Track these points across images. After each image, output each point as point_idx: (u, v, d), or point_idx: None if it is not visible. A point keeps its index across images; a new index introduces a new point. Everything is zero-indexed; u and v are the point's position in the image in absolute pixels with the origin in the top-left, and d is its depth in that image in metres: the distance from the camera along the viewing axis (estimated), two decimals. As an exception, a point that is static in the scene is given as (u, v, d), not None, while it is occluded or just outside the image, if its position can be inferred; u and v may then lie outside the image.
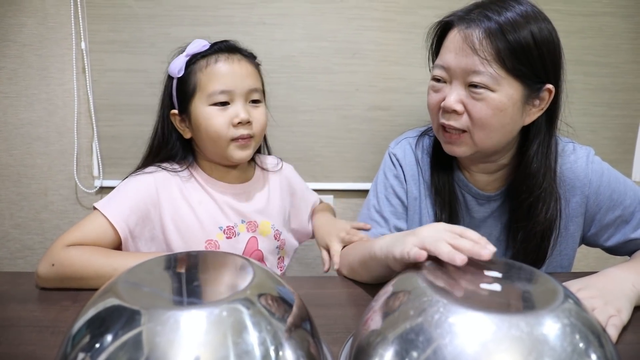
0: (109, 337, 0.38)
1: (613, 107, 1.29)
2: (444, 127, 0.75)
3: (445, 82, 0.74)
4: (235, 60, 0.83)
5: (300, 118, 1.24)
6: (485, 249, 0.50)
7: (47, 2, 1.15)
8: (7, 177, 1.24)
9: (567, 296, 0.42)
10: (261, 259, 0.91)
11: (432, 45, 0.80)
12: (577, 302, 0.43)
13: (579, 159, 0.81)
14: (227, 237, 0.86)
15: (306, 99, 1.23)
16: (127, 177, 0.86)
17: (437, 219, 0.83)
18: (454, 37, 0.73)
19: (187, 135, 0.86)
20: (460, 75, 0.71)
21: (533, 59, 0.69)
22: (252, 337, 0.39)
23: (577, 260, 0.90)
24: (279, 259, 0.96)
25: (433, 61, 0.80)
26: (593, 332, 0.40)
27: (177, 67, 0.83)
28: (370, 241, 0.73)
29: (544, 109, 0.74)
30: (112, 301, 0.41)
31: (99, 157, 1.22)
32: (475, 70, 0.69)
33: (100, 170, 1.23)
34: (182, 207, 0.84)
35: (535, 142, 0.76)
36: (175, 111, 0.85)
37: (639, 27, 1.24)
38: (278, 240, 0.94)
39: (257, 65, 0.89)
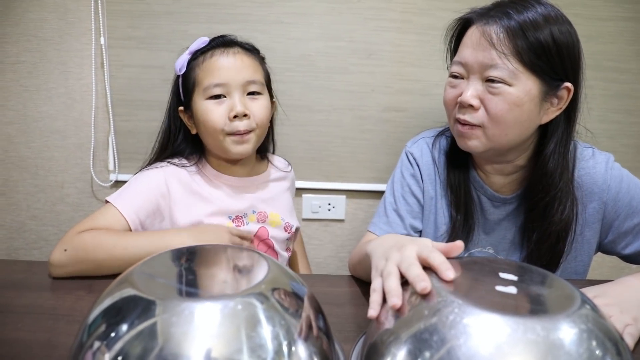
0: (124, 327, 0.38)
1: (632, 114, 1.27)
2: (459, 122, 0.75)
3: (462, 78, 0.74)
4: (231, 53, 0.83)
5: (316, 117, 1.24)
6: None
7: (69, -3, 1.17)
8: (24, 169, 1.26)
9: (584, 302, 0.41)
10: (272, 248, 0.92)
11: (450, 43, 0.81)
12: (594, 308, 0.42)
13: (597, 165, 0.80)
14: (237, 226, 0.87)
15: (322, 99, 1.23)
16: (137, 172, 0.87)
17: (453, 219, 0.83)
18: (472, 34, 0.73)
19: (194, 131, 0.87)
20: (477, 70, 0.71)
21: (552, 57, 0.69)
22: (266, 331, 0.39)
23: (592, 268, 0.88)
24: (286, 249, 0.97)
25: (451, 59, 0.80)
26: (610, 339, 0.39)
27: (180, 64, 0.85)
28: (371, 241, 0.73)
29: (562, 108, 0.73)
30: (128, 291, 0.41)
31: (115, 151, 1.24)
32: (492, 64, 0.69)
33: (116, 165, 1.24)
34: (190, 199, 0.85)
35: (552, 141, 0.75)
36: (180, 107, 0.87)
37: (661, 33, 1.22)
38: (289, 233, 0.95)
39: (258, 58, 0.89)
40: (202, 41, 0.85)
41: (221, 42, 0.85)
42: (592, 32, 1.21)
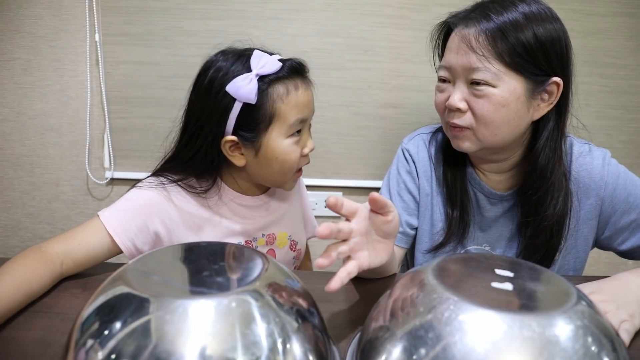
0: (117, 324, 0.38)
1: (630, 110, 1.27)
2: (448, 124, 0.76)
3: (449, 82, 0.75)
4: (308, 85, 0.76)
5: (311, 114, 1.23)
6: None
7: (63, -7, 1.16)
8: (20, 166, 1.25)
9: (580, 298, 0.41)
10: None
11: (436, 48, 0.81)
12: (590, 304, 0.42)
13: (594, 161, 0.79)
14: None
15: (318, 95, 1.20)
16: (138, 185, 0.76)
17: (449, 217, 0.83)
18: (454, 38, 0.73)
19: (241, 162, 0.75)
20: (461, 74, 0.72)
21: (535, 55, 0.69)
22: (260, 328, 0.39)
23: (588, 264, 0.88)
24: (294, 267, 0.93)
25: (439, 62, 0.81)
26: (606, 335, 0.39)
27: (252, 91, 0.69)
28: None
29: (554, 103, 0.73)
30: (121, 289, 0.41)
31: (111, 148, 1.23)
32: (474, 67, 0.69)
33: (112, 162, 1.24)
34: (198, 227, 0.78)
35: (543, 136, 0.75)
36: (233, 138, 0.72)
37: (658, 28, 1.22)
38: (294, 251, 0.91)
39: None
40: (274, 64, 0.71)
41: (296, 70, 0.74)
42: (590, 28, 1.20)
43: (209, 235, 0.78)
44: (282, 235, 0.88)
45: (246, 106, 0.70)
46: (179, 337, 0.36)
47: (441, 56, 0.80)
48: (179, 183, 0.76)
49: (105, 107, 1.21)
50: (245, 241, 0.83)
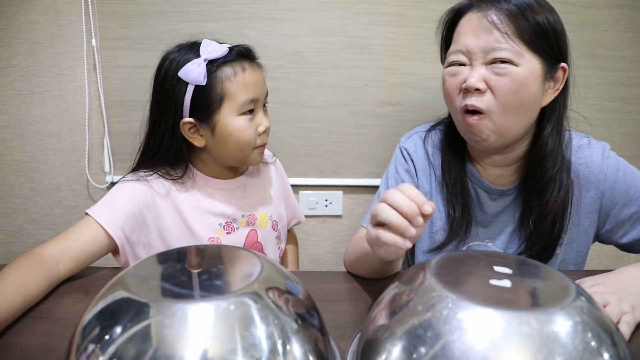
0: (118, 329, 0.38)
1: (629, 102, 1.26)
2: (466, 111, 0.73)
3: (463, 65, 0.73)
4: (256, 67, 0.82)
5: (309, 114, 1.23)
6: (419, 216, 0.54)
7: (59, 0, 1.16)
8: (21, 172, 1.26)
9: (579, 293, 0.41)
10: (261, 251, 0.91)
11: (443, 34, 0.80)
12: (589, 299, 0.42)
13: (594, 154, 0.79)
14: (227, 233, 0.86)
15: (315, 95, 1.22)
16: (119, 182, 0.82)
17: (450, 216, 0.82)
18: (469, 21, 0.72)
19: (201, 143, 0.81)
20: (480, 55, 0.70)
21: (549, 38, 0.70)
22: (260, 330, 0.39)
23: (590, 258, 0.88)
24: (278, 249, 0.96)
25: (444, 51, 0.80)
26: (605, 330, 0.39)
27: (200, 74, 0.76)
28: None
29: (559, 89, 0.74)
30: (121, 294, 0.41)
31: (110, 153, 1.23)
32: (496, 46, 0.69)
33: (111, 166, 1.24)
34: (181, 209, 0.83)
35: (550, 123, 0.75)
36: (189, 119, 0.79)
37: (656, 19, 1.21)
38: (276, 231, 0.94)
39: None
40: (221, 50, 0.78)
41: (243, 54, 0.81)
42: (588, 21, 1.20)
43: (191, 218, 0.83)
44: (263, 215, 0.91)
45: (198, 88, 0.77)
46: (178, 341, 0.36)
47: (447, 44, 0.79)
48: (156, 171, 0.82)
49: (104, 111, 1.21)
50: (226, 222, 0.87)
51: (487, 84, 0.70)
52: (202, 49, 0.78)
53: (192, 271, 0.46)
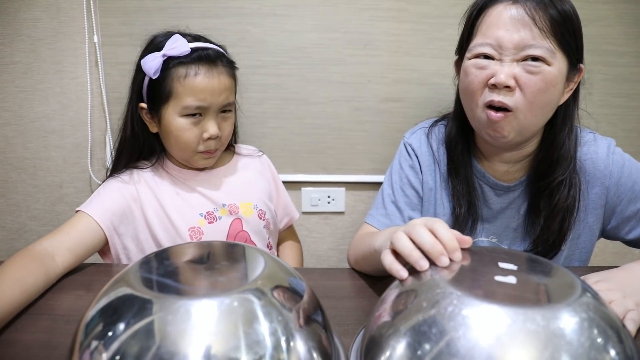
0: (121, 326, 0.38)
1: (633, 98, 1.25)
2: (490, 106, 0.71)
3: (492, 59, 0.70)
4: (215, 74, 0.80)
5: (312, 110, 1.23)
6: (444, 255, 0.47)
7: (60, -5, 1.16)
8: (23, 169, 1.26)
9: (584, 290, 0.41)
10: (248, 240, 0.92)
11: (467, 26, 0.76)
12: (595, 295, 0.41)
13: (599, 150, 0.79)
14: (209, 222, 0.87)
15: (318, 91, 1.22)
16: (104, 181, 0.87)
17: (455, 212, 0.82)
18: (500, 13, 0.69)
19: (154, 129, 0.86)
20: (512, 52, 0.68)
21: (575, 32, 0.69)
22: (263, 327, 0.38)
23: (594, 255, 0.88)
24: (267, 245, 0.96)
25: (464, 42, 0.77)
26: (612, 326, 0.39)
27: (153, 67, 0.79)
28: (374, 235, 0.73)
29: (573, 89, 0.73)
30: (124, 290, 0.41)
31: (112, 149, 1.23)
32: (531, 43, 0.67)
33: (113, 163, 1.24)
34: (161, 200, 0.85)
35: (566, 124, 0.75)
36: (144, 105, 0.84)
37: (661, 14, 1.20)
38: (263, 220, 0.94)
39: (234, 74, 0.87)
40: (181, 47, 0.79)
41: (205, 58, 0.80)
42: (592, 16, 1.19)
43: (170, 208, 0.85)
44: (246, 205, 0.92)
45: (151, 80, 0.81)
46: (182, 338, 0.36)
47: (470, 35, 0.75)
48: (131, 166, 0.87)
49: (106, 108, 1.21)
50: (207, 212, 0.88)
51: (517, 82, 0.68)
52: (167, 44, 0.80)
53: (195, 268, 0.45)
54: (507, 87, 0.68)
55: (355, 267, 0.79)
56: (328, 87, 1.21)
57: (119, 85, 1.20)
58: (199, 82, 0.79)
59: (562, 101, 0.73)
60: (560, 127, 0.75)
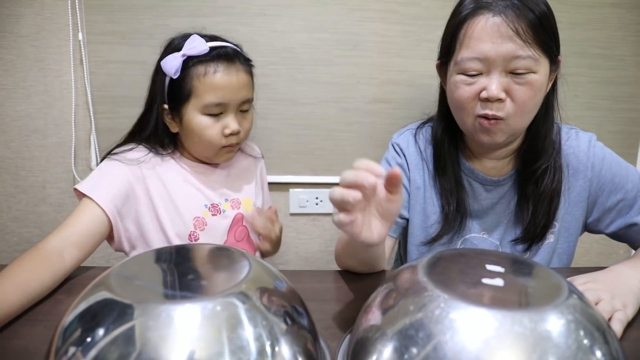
0: (100, 332, 0.37)
1: (618, 101, 1.27)
2: (484, 117, 0.72)
3: (480, 73, 0.70)
4: (234, 71, 0.82)
5: (301, 111, 1.22)
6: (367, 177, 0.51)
7: (44, -8, 1.13)
8: (4, 169, 1.23)
9: (571, 292, 0.41)
10: (247, 235, 0.93)
11: (450, 34, 0.75)
12: (582, 297, 0.41)
13: (581, 144, 0.81)
14: (213, 215, 0.88)
15: (307, 92, 1.21)
16: (107, 157, 0.85)
17: (444, 210, 0.83)
18: (483, 26, 0.68)
19: (174, 129, 0.86)
20: (500, 64, 0.68)
21: (552, 29, 0.70)
22: (248, 332, 0.38)
23: (580, 255, 0.89)
24: (259, 236, 0.97)
25: (446, 50, 0.76)
26: (598, 328, 0.39)
27: (174, 67, 0.80)
28: None
29: (554, 78, 0.75)
30: (103, 295, 0.40)
31: (97, 149, 1.21)
32: (517, 55, 0.67)
33: (99, 163, 1.22)
34: (167, 186, 0.85)
35: (548, 114, 0.77)
36: (164, 105, 0.85)
37: (646, 19, 1.22)
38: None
39: (251, 72, 0.88)
40: (200, 47, 0.80)
41: (224, 56, 0.81)
42: (579, 19, 1.20)
43: (177, 195, 0.85)
44: (247, 201, 0.95)
45: (172, 80, 0.81)
46: (163, 344, 0.35)
47: (453, 44, 0.74)
48: (143, 144, 0.86)
49: (91, 107, 1.19)
50: (212, 204, 0.89)
51: (507, 93, 0.69)
52: (186, 44, 0.81)
53: (177, 271, 0.44)
54: (499, 99, 0.69)
55: (341, 265, 0.79)
56: (317, 88, 1.21)
57: (104, 84, 1.18)
58: (219, 80, 0.80)
59: (545, 93, 0.75)
60: (543, 118, 0.76)
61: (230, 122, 0.83)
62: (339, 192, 0.51)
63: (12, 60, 1.17)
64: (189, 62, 0.80)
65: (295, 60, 1.19)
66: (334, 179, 1.27)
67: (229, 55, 0.82)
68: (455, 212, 0.82)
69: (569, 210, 0.82)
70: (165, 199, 0.85)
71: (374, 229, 0.55)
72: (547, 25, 0.69)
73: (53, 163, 1.23)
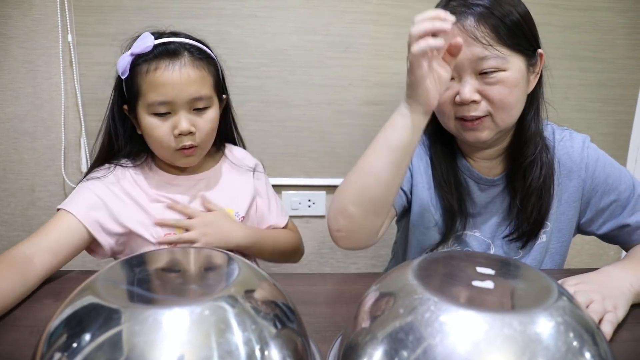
0: (86, 337, 0.36)
1: (608, 103, 1.28)
2: (464, 119, 0.74)
3: (452, 79, 0.72)
4: (177, 67, 0.76)
5: (293, 113, 1.22)
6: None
7: (33, -7, 1.12)
8: (-7, 172, 1.22)
9: (561, 294, 0.41)
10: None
11: None
12: (571, 299, 0.42)
13: (575, 144, 0.82)
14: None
15: (298, 94, 1.21)
16: (84, 178, 0.83)
17: (445, 204, 0.82)
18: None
19: (139, 130, 0.83)
20: (468, 67, 0.71)
21: (524, 30, 0.72)
22: (237, 336, 0.37)
23: (571, 256, 0.90)
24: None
25: None
26: (587, 330, 0.39)
27: (122, 66, 0.77)
28: (375, 141, 0.75)
29: (539, 73, 0.76)
30: (89, 299, 0.39)
31: (87, 152, 1.20)
32: (482, 56, 0.69)
33: (88, 166, 1.20)
34: (141, 201, 0.82)
35: (532, 108, 0.78)
36: (125, 106, 0.82)
37: (634, 22, 1.24)
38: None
39: (206, 65, 0.81)
40: (145, 45, 0.76)
41: (166, 52, 0.77)
42: (569, 23, 1.21)
43: (151, 209, 0.82)
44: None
45: (125, 81, 0.79)
46: (150, 349, 0.35)
47: None
48: (117, 162, 0.84)
49: (81, 109, 1.18)
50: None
51: (481, 94, 0.72)
52: (135, 43, 0.78)
53: (165, 275, 0.44)
54: (474, 101, 0.71)
55: (343, 216, 0.73)
56: (309, 90, 1.21)
57: (94, 86, 1.17)
58: (159, 77, 0.75)
59: (530, 89, 0.76)
60: (527, 110, 0.77)
61: (180, 121, 0.77)
62: (425, 26, 0.60)
63: (0, 62, 1.15)
64: (137, 61, 0.77)
65: (287, 63, 1.19)
66: (326, 181, 1.27)
67: (173, 51, 0.77)
68: (458, 212, 0.83)
69: (562, 210, 0.83)
70: (138, 215, 0.81)
71: (432, 90, 0.64)
72: (512, 23, 0.70)
73: (42, 166, 1.22)
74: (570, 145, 0.82)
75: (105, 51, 1.15)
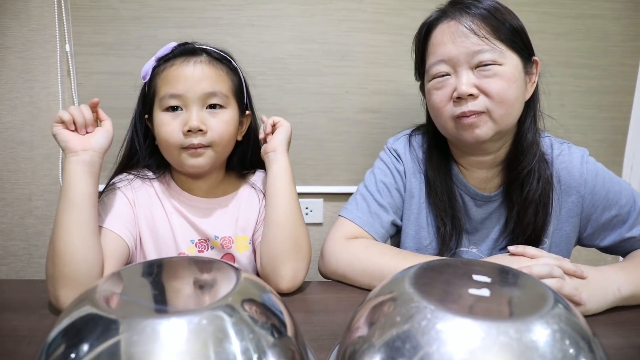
0: (84, 348, 0.36)
1: (602, 110, 1.29)
2: (461, 116, 0.73)
3: (448, 74, 0.73)
4: (192, 62, 0.77)
5: (290, 121, 1.21)
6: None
7: (30, 3, 1.13)
8: (-10, 182, 1.21)
9: (556, 301, 0.41)
10: None
11: (419, 49, 0.81)
12: (567, 306, 0.42)
13: (573, 159, 0.82)
14: (199, 251, 0.82)
15: (295, 102, 1.21)
16: (106, 188, 0.82)
17: (439, 230, 0.82)
18: (445, 30, 0.73)
19: (157, 141, 0.82)
20: (464, 61, 0.71)
21: (520, 34, 0.73)
22: (235, 346, 0.37)
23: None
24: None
25: (419, 67, 0.81)
26: (583, 337, 0.39)
27: (144, 70, 0.80)
28: (395, 256, 0.74)
29: (535, 82, 0.77)
30: (87, 310, 0.39)
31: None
32: (479, 49, 0.70)
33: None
34: (156, 215, 0.81)
35: (529, 118, 0.78)
36: (147, 116, 0.83)
37: (627, 29, 1.25)
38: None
39: (226, 67, 0.82)
40: (168, 47, 0.80)
41: (184, 50, 0.79)
42: (562, 30, 1.23)
43: (162, 226, 0.81)
44: (241, 239, 0.85)
45: (144, 85, 0.82)
46: (148, 359, 0.35)
47: (423, 59, 0.79)
48: (135, 172, 0.83)
49: (78, 118, 1.18)
50: (199, 239, 0.83)
51: (478, 88, 0.71)
52: (159, 50, 0.80)
53: (163, 285, 0.44)
54: (471, 95, 0.71)
55: (333, 275, 0.77)
56: (306, 98, 1.21)
57: (92, 96, 1.16)
58: (173, 71, 0.77)
59: (528, 96, 0.76)
60: (524, 118, 0.78)
61: (189, 118, 0.75)
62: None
63: (-3, 72, 1.16)
64: (157, 64, 0.80)
65: (284, 71, 1.19)
66: (324, 189, 1.27)
67: (191, 50, 0.79)
68: (451, 231, 0.82)
69: (559, 227, 0.82)
70: (152, 229, 0.81)
71: None
72: (510, 26, 0.72)
73: (39, 175, 1.22)
74: (569, 160, 0.81)
75: (102, 61, 1.16)
